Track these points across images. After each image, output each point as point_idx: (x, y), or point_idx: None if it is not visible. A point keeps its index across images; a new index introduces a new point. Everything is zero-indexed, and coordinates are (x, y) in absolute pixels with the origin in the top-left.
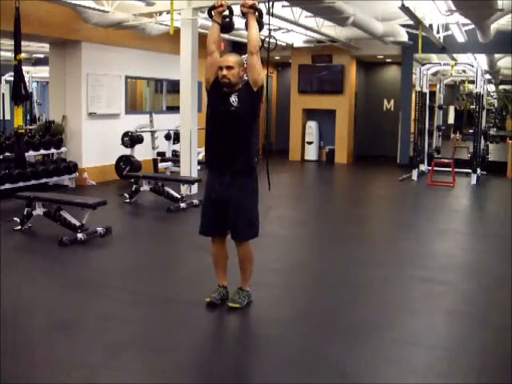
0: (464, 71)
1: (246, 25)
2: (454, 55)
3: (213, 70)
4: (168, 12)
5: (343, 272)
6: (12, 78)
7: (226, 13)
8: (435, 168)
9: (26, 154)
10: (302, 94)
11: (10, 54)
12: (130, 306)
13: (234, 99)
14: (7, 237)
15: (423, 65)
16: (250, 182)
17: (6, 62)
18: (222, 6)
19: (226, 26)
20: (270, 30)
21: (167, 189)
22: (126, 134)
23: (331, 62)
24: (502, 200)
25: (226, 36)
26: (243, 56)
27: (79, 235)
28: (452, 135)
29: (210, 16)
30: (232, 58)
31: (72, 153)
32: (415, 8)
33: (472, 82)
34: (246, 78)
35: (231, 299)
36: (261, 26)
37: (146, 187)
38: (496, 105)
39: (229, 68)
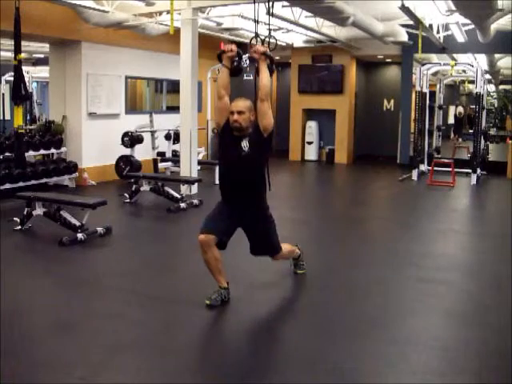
0: (464, 71)
1: (257, 70)
2: (454, 55)
3: (223, 114)
4: (168, 12)
5: (343, 272)
6: (12, 78)
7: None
8: (435, 168)
9: (26, 154)
10: (302, 94)
11: (10, 54)
12: (130, 306)
13: (245, 144)
14: (7, 237)
15: (423, 65)
16: (265, 213)
17: (5, 62)
18: (231, 51)
19: (236, 70)
20: (269, 29)
21: (167, 189)
22: (125, 134)
23: (331, 62)
24: (502, 200)
25: (226, 36)
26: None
27: (79, 235)
28: (452, 136)
29: (220, 60)
30: (242, 104)
31: (72, 153)
32: (415, 8)
33: (472, 81)
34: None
35: (295, 270)
36: (271, 71)
37: (145, 187)
38: (496, 105)
39: (240, 113)
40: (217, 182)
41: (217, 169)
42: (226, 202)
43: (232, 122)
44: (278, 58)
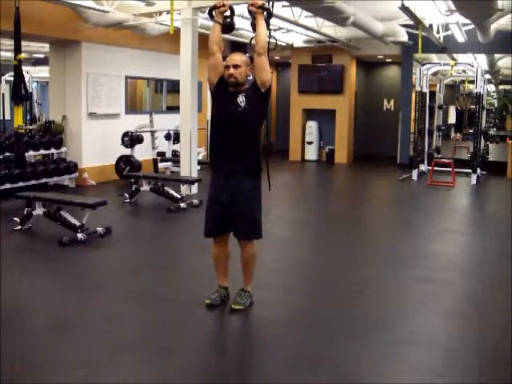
0: (464, 71)
1: (253, 25)
2: (454, 55)
3: (216, 71)
4: (168, 12)
5: (343, 272)
6: (12, 78)
7: (228, 13)
8: (435, 168)
9: (26, 154)
10: (302, 94)
11: (10, 54)
12: (130, 306)
13: (241, 99)
14: (7, 237)
15: (423, 65)
16: (254, 182)
17: (5, 62)
18: (223, 5)
19: (228, 26)
20: (269, 30)
21: (167, 189)
22: (125, 134)
23: (331, 62)
24: (502, 200)
25: (225, 36)
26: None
27: (79, 235)
28: (453, 135)
29: (211, 16)
30: (239, 57)
31: (72, 153)
32: (415, 8)
33: (472, 81)
34: (251, 77)
35: (234, 301)
36: (268, 25)
37: (145, 187)
38: (496, 105)
39: (236, 67)
40: None
41: None
42: (217, 170)
43: (228, 76)
44: (277, 58)
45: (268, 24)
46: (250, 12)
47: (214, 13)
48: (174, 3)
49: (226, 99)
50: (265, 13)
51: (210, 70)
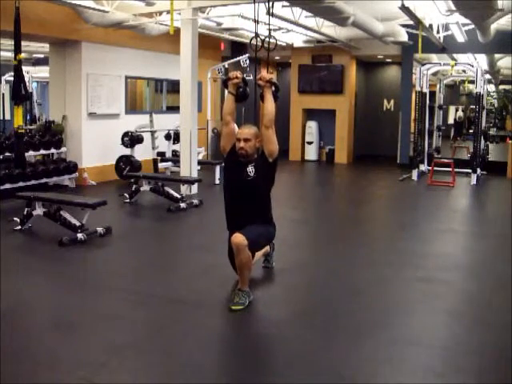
0: (464, 71)
1: (262, 97)
2: (454, 55)
3: (229, 140)
4: (168, 12)
5: (343, 272)
6: (12, 78)
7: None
8: (435, 168)
9: (26, 154)
10: (302, 94)
11: (10, 54)
12: (130, 306)
13: (250, 169)
14: (7, 237)
15: (423, 65)
16: (266, 224)
17: (5, 62)
18: (237, 77)
19: (241, 96)
20: (269, 29)
21: (167, 189)
22: (126, 134)
23: (331, 62)
24: (502, 200)
25: (225, 36)
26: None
27: (79, 235)
28: (451, 143)
29: (226, 87)
30: (248, 131)
31: (72, 153)
32: (415, 8)
33: (472, 81)
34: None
35: (233, 302)
36: (276, 99)
37: (145, 187)
38: (496, 105)
39: (246, 140)
40: (217, 181)
41: (217, 169)
42: (230, 228)
43: (238, 149)
44: (277, 58)
45: (276, 97)
46: (258, 85)
47: (228, 84)
48: (173, 3)
49: (236, 168)
50: (273, 87)
51: (224, 139)
